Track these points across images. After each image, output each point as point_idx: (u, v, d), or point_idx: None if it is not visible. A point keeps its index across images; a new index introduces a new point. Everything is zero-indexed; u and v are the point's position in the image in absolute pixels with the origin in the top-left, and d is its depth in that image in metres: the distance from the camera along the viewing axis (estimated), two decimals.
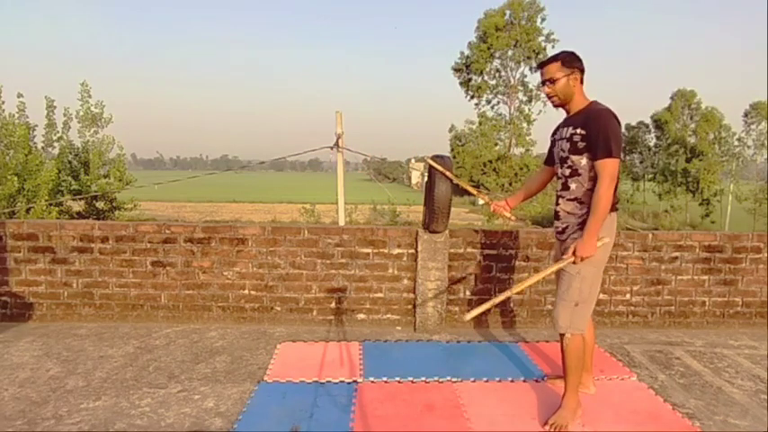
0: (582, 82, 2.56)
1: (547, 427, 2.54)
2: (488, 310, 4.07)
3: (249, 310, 4.06)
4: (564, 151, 2.56)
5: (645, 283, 4.13)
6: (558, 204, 2.66)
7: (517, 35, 33.77)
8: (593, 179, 2.47)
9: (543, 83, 2.58)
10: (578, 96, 2.56)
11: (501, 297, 2.61)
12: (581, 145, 2.48)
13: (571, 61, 2.53)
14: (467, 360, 3.38)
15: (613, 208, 2.51)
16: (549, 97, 2.59)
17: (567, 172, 2.56)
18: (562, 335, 2.59)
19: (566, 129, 2.58)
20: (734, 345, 3.80)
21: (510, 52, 34.96)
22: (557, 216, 2.67)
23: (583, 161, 2.50)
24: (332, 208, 19.37)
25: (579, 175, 2.53)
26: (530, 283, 2.62)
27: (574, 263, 2.50)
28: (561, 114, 2.70)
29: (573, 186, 2.56)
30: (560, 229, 2.64)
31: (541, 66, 2.60)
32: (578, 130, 2.48)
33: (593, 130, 2.42)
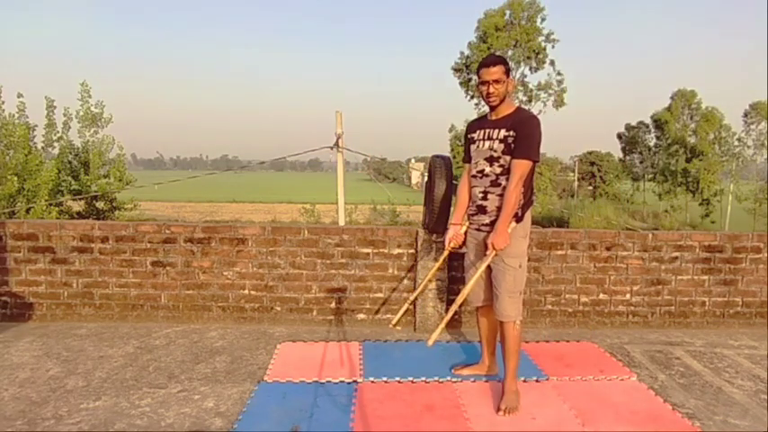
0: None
1: (500, 414, 2.65)
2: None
3: (249, 310, 4.06)
4: (496, 151, 2.72)
5: (645, 283, 4.13)
6: (486, 200, 2.77)
7: (517, 35, 33.77)
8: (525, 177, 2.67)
9: (486, 82, 2.67)
10: (508, 99, 2.75)
11: (449, 314, 2.77)
12: (514, 146, 2.66)
13: (509, 66, 2.74)
14: (467, 360, 3.38)
15: (530, 203, 2.75)
16: (490, 96, 2.69)
17: (499, 170, 2.72)
18: (503, 323, 2.79)
19: (496, 130, 2.72)
20: (734, 345, 3.80)
21: (510, 52, 34.95)
22: (484, 211, 2.79)
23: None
24: (332, 208, 19.35)
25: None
26: (469, 288, 2.75)
27: (496, 254, 2.68)
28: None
29: (504, 183, 2.71)
30: (487, 222, 2.77)
31: (491, 64, 2.69)
32: (511, 133, 2.66)
33: (522, 133, 2.65)
